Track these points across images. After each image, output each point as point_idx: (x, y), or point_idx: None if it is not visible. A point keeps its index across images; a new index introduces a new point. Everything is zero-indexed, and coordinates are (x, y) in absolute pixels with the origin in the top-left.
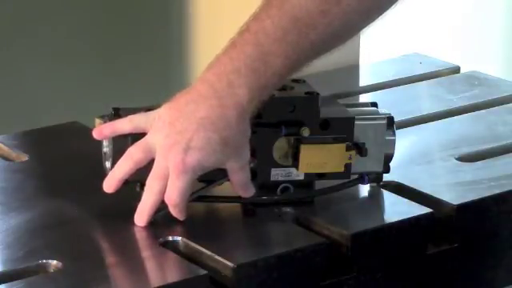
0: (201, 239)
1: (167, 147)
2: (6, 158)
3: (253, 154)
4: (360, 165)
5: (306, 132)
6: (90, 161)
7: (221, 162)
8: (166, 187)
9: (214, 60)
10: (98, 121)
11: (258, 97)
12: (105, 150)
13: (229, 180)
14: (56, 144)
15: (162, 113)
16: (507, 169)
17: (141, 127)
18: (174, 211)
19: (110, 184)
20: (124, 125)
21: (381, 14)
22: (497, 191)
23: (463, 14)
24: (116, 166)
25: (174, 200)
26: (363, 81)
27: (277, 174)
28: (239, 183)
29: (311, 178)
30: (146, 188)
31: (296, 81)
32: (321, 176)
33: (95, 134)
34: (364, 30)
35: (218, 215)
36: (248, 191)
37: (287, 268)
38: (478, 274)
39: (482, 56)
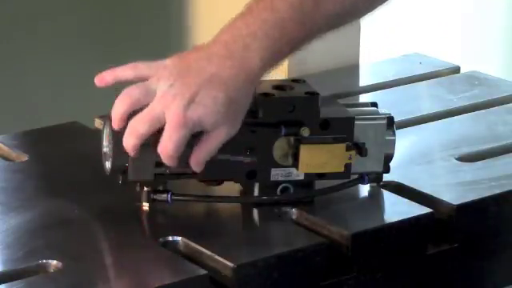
0: (201, 239)
1: (170, 96)
2: (6, 158)
3: (252, 153)
4: (360, 165)
5: (305, 132)
6: (90, 161)
7: (216, 125)
8: (150, 133)
9: (229, 24)
10: (97, 121)
11: (270, 64)
12: (105, 149)
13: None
14: (56, 144)
15: (170, 64)
16: (507, 169)
17: (143, 75)
18: (167, 160)
19: (116, 122)
20: (126, 71)
21: None
22: (497, 191)
23: (463, 13)
24: (114, 105)
25: (168, 152)
26: (363, 81)
27: (277, 174)
28: (204, 151)
29: (311, 178)
30: (127, 128)
31: (296, 81)
32: (321, 176)
33: (97, 81)
34: (378, 7)
35: (218, 215)
36: (200, 166)
37: (287, 268)
38: (478, 274)
39: (482, 56)
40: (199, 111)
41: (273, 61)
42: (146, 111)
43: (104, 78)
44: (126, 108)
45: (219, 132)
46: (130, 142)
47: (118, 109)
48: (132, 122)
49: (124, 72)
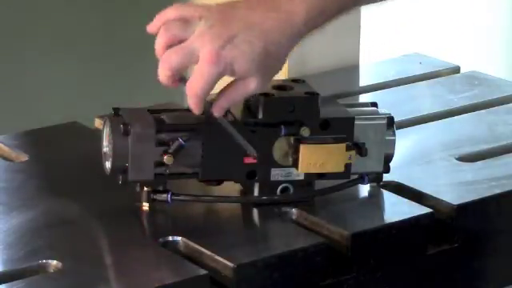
0: (201, 239)
1: (208, 34)
2: (6, 158)
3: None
4: (360, 165)
5: (306, 132)
6: (90, 161)
7: (247, 74)
8: (182, 66)
9: None
10: (97, 121)
11: (315, 22)
12: (105, 149)
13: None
14: (56, 144)
15: (214, 7)
16: (507, 169)
17: (187, 14)
18: (191, 101)
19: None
20: (170, 12)
21: None
22: (497, 191)
23: (463, 13)
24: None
25: (195, 90)
26: (363, 81)
27: (277, 174)
28: (229, 98)
29: (311, 178)
30: (161, 59)
31: (296, 81)
32: (321, 176)
33: (149, 29)
34: None
35: (218, 215)
36: (221, 111)
37: (287, 268)
38: (478, 274)
39: (482, 56)
40: (234, 53)
41: (318, 19)
42: (181, 45)
43: (155, 26)
44: (165, 40)
45: (249, 82)
46: (162, 73)
47: (158, 41)
48: (165, 54)
49: (168, 13)
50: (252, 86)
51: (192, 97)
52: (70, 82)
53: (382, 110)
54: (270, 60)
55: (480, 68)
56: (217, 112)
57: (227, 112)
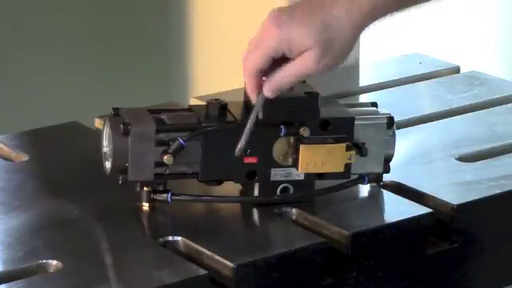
0: (201, 239)
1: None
2: (6, 158)
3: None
4: (360, 165)
5: (306, 132)
6: (89, 161)
7: (305, 46)
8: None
9: None
10: (97, 121)
11: (375, 12)
12: (105, 149)
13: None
14: (56, 144)
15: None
16: (507, 169)
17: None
18: (245, 76)
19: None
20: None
21: None
22: (497, 191)
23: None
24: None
25: (248, 63)
26: (363, 81)
27: (277, 174)
28: (289, 75)
29: (311, 178)
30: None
31: None
32: (321, 176)
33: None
34: None
35: (218, 215)
36: (274, 92)
37: (287, 268)
38: (478, 274)
39: (482, 56)
40: (291, 24)
41: (380, 12)
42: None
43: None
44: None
45: (307, 57)
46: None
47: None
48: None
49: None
50: (310, 62)
51: (245, 70)
52: (70, 82)
53: (382, 109)
54: (330, 34)
55: (480, 68)
56: (268, 92)
57: (227, 112)
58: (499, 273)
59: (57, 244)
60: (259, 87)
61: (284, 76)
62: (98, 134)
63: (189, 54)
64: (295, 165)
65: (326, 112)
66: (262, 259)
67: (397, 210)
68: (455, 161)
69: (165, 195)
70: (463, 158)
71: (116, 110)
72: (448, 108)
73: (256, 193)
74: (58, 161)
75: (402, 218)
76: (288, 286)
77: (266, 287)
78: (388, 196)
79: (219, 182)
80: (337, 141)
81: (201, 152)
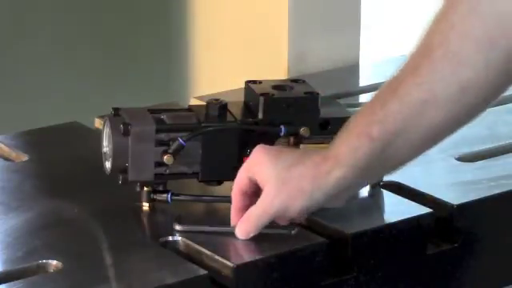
0: (201, 239)
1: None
2: (6, 158)
3: None
4: None
5: (305, 132)
6: (89, 161)
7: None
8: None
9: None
10: (97, 121)
11: (348, 181)
12: (105, 149)
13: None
14: (56, 144)
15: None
16: (507, 169)
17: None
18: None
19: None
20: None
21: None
22: (497, 191)
23: None
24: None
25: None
26: (363, 81)
27: None
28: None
29: None
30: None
31: (296, 81)
32: None
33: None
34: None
35: (218, 215)
36: (247, 234)
37: (287, 268)
38: (478, 274)
39: None
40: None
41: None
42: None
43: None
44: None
45: (268, 195)
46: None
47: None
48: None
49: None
50: (274, 201)
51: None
52: (70, 82)
53: None
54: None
55: None
56: (241, 235)
57: (227, 112)
58: (499, 273)
59: (56, 244)
60: (244, 209)
61: (251, 221)
62: (97, 133)
63: (189, 54)
64: None
65: (325, 112)
66: (261, 259)
67: (397, 209)
68: (455, 161)
69: (165, 195)
70: (463, 158)
71: (116, 109)
72: None
73: None
74: (58, 161)
75: (402, 218)
76: (288, 286)
77: (265, 287)
78: (388, 196)
79: (219, 182)
80: None
81: (201, 152)
